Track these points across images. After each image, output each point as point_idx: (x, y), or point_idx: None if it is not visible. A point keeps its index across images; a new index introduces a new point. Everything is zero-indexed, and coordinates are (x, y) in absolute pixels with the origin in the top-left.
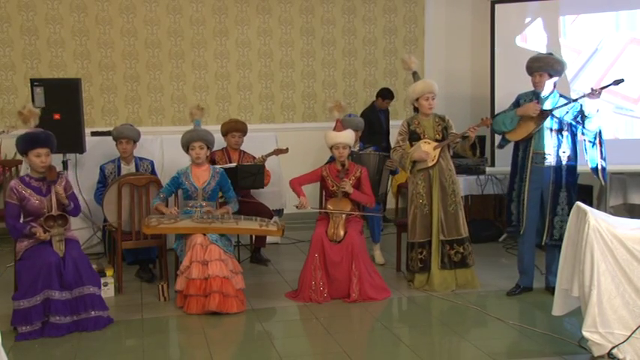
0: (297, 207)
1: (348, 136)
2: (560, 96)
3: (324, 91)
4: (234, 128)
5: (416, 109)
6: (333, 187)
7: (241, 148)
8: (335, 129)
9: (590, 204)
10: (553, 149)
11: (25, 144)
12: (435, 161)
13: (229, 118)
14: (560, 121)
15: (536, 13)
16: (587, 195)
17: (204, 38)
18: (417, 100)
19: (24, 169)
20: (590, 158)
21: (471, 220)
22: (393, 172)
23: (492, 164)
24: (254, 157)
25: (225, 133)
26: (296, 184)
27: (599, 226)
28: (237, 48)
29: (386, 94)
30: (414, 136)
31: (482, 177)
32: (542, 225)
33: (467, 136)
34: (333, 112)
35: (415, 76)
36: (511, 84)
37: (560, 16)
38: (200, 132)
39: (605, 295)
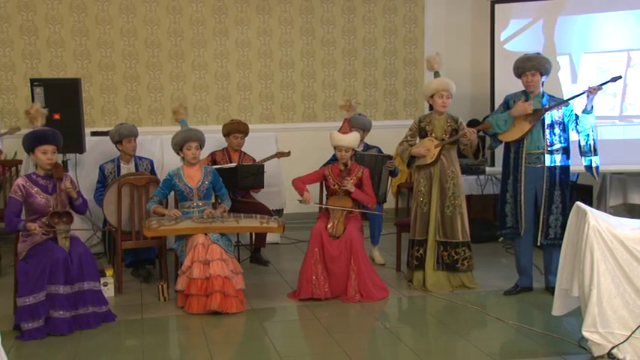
0: (300, 202)
1: (352, 140)
2: (550, 96)
3: (324, 91)
4: (236, 129)
5: (431, 108)
6: (334, 185)
7: (241, 148)
8: (341, 129)
9: (590, 204)
10: (546, 149)
11: (32, 141)
12: (433, 159)
13: (229, 118)
14: (553, 121)
15: (537, 13)
16: (587, 195)
17: (204, 38)
18: (432, 97)
19: (24, 169)
20: (584, 156)
21: (470, 220)
22: (393, 173)
23: (492, 164)
24: (254, 160)
25: (226, 134)
26: (300, 183)
27: (599, 226)
28: (237, 48)
29: None
30: (422, 134)
31: (482, 177)
32: (535, 225)
33: (468, 139)
34: (342, 110)
35: (436, 75)
36: (511, 84)
37: (561, 16)
38: (196, 132)
39: (605, 295)
